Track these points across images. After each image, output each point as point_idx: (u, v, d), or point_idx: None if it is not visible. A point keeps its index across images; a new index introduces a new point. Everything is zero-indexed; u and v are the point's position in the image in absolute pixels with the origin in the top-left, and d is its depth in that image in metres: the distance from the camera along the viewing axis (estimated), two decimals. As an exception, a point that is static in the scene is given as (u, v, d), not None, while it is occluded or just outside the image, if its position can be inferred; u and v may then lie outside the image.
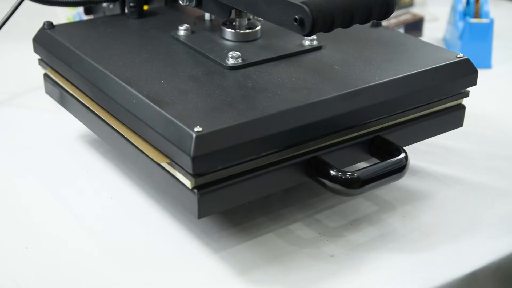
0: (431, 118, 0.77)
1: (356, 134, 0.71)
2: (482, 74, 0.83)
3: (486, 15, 1.13)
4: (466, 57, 0.77)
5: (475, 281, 0.68)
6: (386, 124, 0.73)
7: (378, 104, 0.71)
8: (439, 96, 0.76)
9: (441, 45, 1.21)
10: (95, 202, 0.77)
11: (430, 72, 0.74)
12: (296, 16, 0.65)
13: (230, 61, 0.74)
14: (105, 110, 0.74)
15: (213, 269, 0.67)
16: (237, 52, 0.74)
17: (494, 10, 1.32)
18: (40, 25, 0.85)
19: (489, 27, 1.12)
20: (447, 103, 0.77)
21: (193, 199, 0.63)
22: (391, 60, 0.76)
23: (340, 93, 0.69)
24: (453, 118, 0.79)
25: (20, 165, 0.84)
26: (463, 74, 0.76)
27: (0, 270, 0.67)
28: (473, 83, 0.77)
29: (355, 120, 0.70)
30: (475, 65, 0.77)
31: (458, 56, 0.77)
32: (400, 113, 0.74)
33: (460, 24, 1.15)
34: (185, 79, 0.71)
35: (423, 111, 0.76)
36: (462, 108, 0.79)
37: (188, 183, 0.63)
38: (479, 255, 0.69)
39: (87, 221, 0.74)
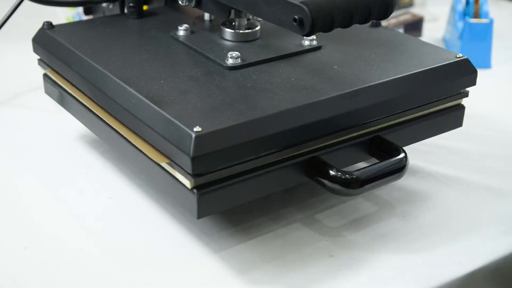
0: (431, 118, 0.77)
1: (355, 134, 0.71)
2: (481, 74, 0.83)
3: (486, 15, 1.13)
4: (466, 57, 0.77)
5: (474, 281, 0.68)
6: (386, 124, 0.73)
7: (377, 104, 0.71)
8: (438, 96, 0.76)
9: (441, 45, 1.22)
10: (94, 202, 0.77)
11: (430, 72, 0.74)
12: (296, 16, 0.65)
13: (230, 61, 0.74)
14: (105, 110, 0.74)
15: (213, 269, 0.67)
16: (237, 52, 0.74)
17: (494, 10, 1.32)
18: (39, 25, 0.85)
19: (488, 27, 1.12)
20: (446, 103, 0.77)
21: (193, 199, 0.63)
22: (391, 60, 0.76)
23: (339, 93, 0.69)
24: (452, 118, 0.79)
25: (20, 165, 0.84)
26: (462, 74, 0.76)
27: (0, 270, 0.67)
28: (473, 83, 0.77)
29: (354, 120, 0.70)
30: (475, 65, 0.77)
31: (457, 56, 0.77)
32: (399, 113, 0.74)
33: (460, 24, 1.15)
34: (184, 79, 0.71)
35: (422, 111, 0.76)
36: (461, 108, 0.79)
37: (187, 183, 0.63)
38: (479, 255, 0.69)
39: (87, 221, 0.74)
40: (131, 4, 0.87)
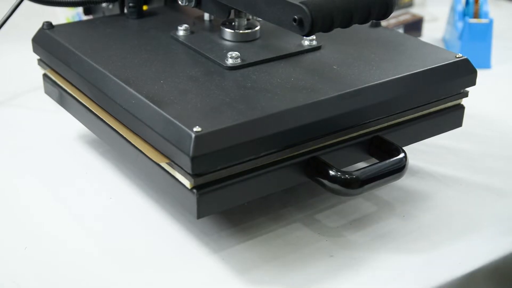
0: (430, 118, 0.77)
1: (355, 134, 0.71)
2: (481, 74, 0.83)
3: (486, 15, 1.13)
4: (465, 57, 0.77)
5: (474, 281, 0.68)
6: (385, 124, 0.73)
7: (377, 104, 0.71)
8: (438, 96, 0.76)
9: (441, 45, 1.22)
10: (94, 202, 0.77)
11: (429, 72, 0.74)
12: (295, 16, 0.65)
13: (229, 61, 0.74)
14: (105, 110, 0.74)
15: (213, 269, 0.67)
16: (236, 52, 0.74)
17: (494, 10, 1.32)
18: (39, 26, 0.85)
19: (488, 27, 1.12)
20: (446, 103, 0.77)
21: (192, 199, 0.63)
22: (390, 60, 0.76)
23: (339, 93, 0.69)
24: (452, 118, 0.79)
25: (20, 165, 0.84)
26: (462, 74, 0.76)
27: (0, 270, 0.67)
28: (472, 83, 0.77)
29: (354, 120, 0.70)
30: (475, 65, 0.77)
31: (457, 56, 0.77)
32: (399, 113, 0.74)
33: (460, 24, 1.15)
34: (184, 79, 0.71)
35: (422, 111, 0.76)
36: (461, 108, 0.79)
37: (187, 183, 0.63)
38: (478, 255, 0.69)
39: (86, 221, 0.74)
40: (130, 4, 0.87)
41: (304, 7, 0.64)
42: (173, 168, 0.64)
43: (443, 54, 0.78)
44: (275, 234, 0.72)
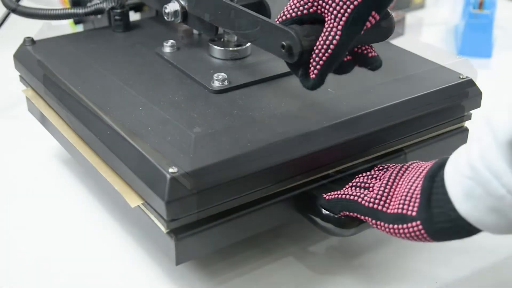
0: (433, 143, 0.66)
1: (351, 164, 0.61)
2: (481, 74, 0.73)
3: (490, 6, 1.05)
4: (470, 78, 0.66)
5: (475, 281, 0.62)
6: (384, 152, 0.63)
7: (375, 132, 0.60)
8: (441, 120, 0.65)
9: (446, 41, 1.11)
10: (94, 205, 0.70)
11: (432, 95, 0.64)
12: (284, 43, 0.53)
13: (216, 84, 0.63)
14: (81, 138, 0.63)
15: (212, 270, 0.61)
16: (223, 74, 0.64)
17: (497, 10, 1.22)
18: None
19: (489, 17, 1.04)
20: (449, 126, 0.67)
21: (170, 244, 0.53)
22: (389, 83, 0.65)
23: (333, 122, 0.58)
24: (456, 141, 0.68)
25: (19, 165, 0.78)
26: (466, 95, 0.66)
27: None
28: (477, 105, 0.67)
29: (350, 151, 0.60)
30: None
31: (461, 76, 0.66)
32: (400, 139, 0.63)
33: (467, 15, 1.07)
34: (165, 104, 0.61)
35: (424, 135, 0.65)
36: (465, 131, 0.68)
37: (162, 227, 0.53)
38: (479, 255, 0.64)
39: (86, 223, 0.68)
40: (116, 17, 0.77)
41: (292, 32, 0.53)
42: (148, 210, 0.54)
43: (446, 74, 0.67)
44: (275, 234, 0.65)
